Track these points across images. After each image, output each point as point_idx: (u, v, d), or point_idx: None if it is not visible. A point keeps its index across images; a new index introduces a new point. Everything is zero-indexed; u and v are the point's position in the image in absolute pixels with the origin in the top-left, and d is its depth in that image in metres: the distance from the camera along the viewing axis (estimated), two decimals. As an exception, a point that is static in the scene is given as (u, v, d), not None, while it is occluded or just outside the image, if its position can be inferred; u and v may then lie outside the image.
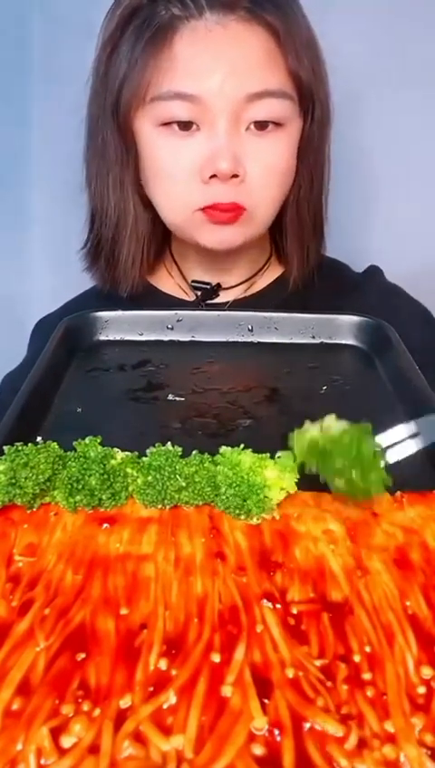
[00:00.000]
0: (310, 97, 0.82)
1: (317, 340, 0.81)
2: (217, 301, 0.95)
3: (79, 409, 0.67)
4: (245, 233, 0.84)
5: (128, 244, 0.90)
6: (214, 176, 0.78)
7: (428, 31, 1.08)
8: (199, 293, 0.95)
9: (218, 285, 0.94)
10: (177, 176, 0.81)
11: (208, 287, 0.94)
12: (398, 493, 0.52)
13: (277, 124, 0.79)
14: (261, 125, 0.79)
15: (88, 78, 0.86)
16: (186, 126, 0.78)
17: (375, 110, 1.11)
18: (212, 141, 0.78)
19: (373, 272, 1.01)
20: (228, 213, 0.81)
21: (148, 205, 0.88)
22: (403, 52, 1.09)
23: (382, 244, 1.18)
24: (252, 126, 0.78)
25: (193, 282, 0.95)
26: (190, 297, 0.96)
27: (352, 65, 0.97)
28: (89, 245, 0.94)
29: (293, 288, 0.94)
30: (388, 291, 0.98)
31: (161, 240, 0.96)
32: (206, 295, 0.94)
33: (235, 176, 0.78)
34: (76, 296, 1.03)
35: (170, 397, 0.70)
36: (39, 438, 0.56)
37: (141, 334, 0.82)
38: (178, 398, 0.70)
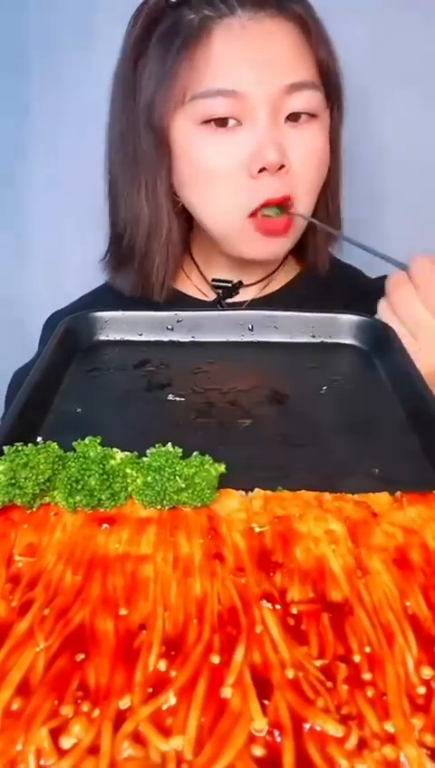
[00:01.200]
0: (337, 87, 0.85)
1: (317, 340, 0.81)
2: (235, 300, 0.95)
3: (79, 409, 0.67)
4: (291, 240, 0.86)
5: (162, 250, 0.91)
6: (263, 169, 0.79)
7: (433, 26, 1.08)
8: (220, 292, 0.95)
9: (240, 283, 0.95)
10: (223, 174, 0.82)
11: (230, 285, 0.94)
12: (398, 493, 0.52)
13: (311, 115, 0.82)
14: (294, 117, 0.81)
15: (110, 87, 0.87)
16: (222, 122, 0.80)
17: (380, 106, 1.11)
18: (256, 135, 0.79)
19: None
20: (280, 224, 0.82)
21: (180, 212, 0.89)
22: (409, 47, 1.09)
23: (388, 242, 1.18)
24: (286, 119, 0.80)
25: (214, 280, 0.95)
26: (209, 297, 0.96)
27: (358, 62, 0.98)
28: (116, 255, 0.95)
29: (314, 284, 0.95)
30: None
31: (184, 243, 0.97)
32: (226, 294, 0.95)
33: (281, 167, 0.80)
34: (88, 292, 1.03)
35: (170, 397, 0.70)
36: (39, 438, 0.56)
37: (141, 334, 0.82)
38: (178, 399, 0.70)
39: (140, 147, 0.86)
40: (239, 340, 0.81)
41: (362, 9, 1.06)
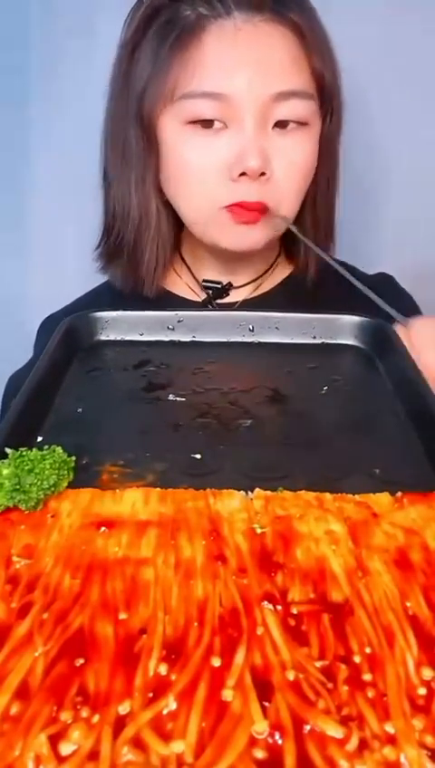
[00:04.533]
0: (331, 96, 0.84)
1: (318, 341, 0.81)
2: (226, 300, 0.95)
3: (79, 409, 0.67)
4: (268, 233, 0.85)
5: (151, 244, 0.91)
6: (243, 173, 0.79)
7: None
8: (211, 293, 0.95)
9: (229, 284, 0.94)
10: (205, 174, 0.81)
11: (220, 286, 0.94)
12: (398, 493, 0.52)
13: (300, 123, 0.80)
14: (283, 124, 0.80)
15: (109, 80, 0.86)
16: (208, 123, 0.79)
17: (380, 110, 1.11)
18: (240, 139, 0.78)
19: (388, 278, 1.01)
20: (253, 212, 0.81)
21: (168, 204, 0.89)
22: (410, 51, 1.08)
23: (387, 245, 1.18)
24: (274, 125, 0.80)
25: (204, 281, 0.95)
26: (200, 297, 0.96)
27: (358, 65, 0.97)
28: (107, 246, 0.94)
29: (305, 285, 0.95)
30: (403, 301, 0.99)
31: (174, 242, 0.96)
32: (216, 295, 0.94)
33: (262, 174, 0.79)
34: (82, 295, 1.03)
35: (171, 397, 0.70)
36: (40, 438, 0.56)
37: (142, 334, 0.82)
38: (178, 399, 0.70)
39: (129, 139, 0.86)
40: (240, 340, 0.81)
41: (363, 13, 1.06)
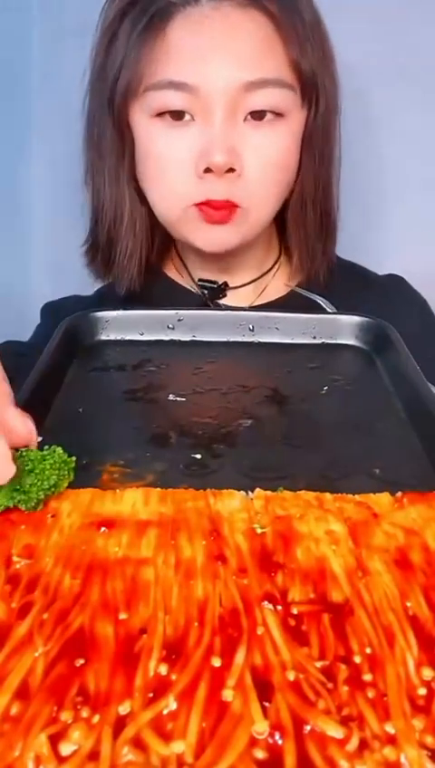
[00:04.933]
0: (313, 87, 0.79)
1: (318, 341, 0.81)
2: (229, 304, 0.93)
3: (80, 409, 0.67)
4: (239, 232, 0.82)
5: (124, 240, 0.88)
6: (209, 170, 0.76)
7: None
8: (206, 292, 0.93)
9: (226, 284, 0.93)
10: (171, 169, 0.79)
11: (215, 286, 0.93)
12: (398, 493, 0.52)
13: (277, 114, 0.77)
14: (258, 115, 0.76)
15: (85, 70, 0.84)
16: (178, 115, 0.76)
17: (382, 108, 1.11)
18: (207, 133, 0.75)
19: (398, 280, 0.99)
20: (221, 211, 0.78)
21: (145, 200, 0.86)
22: (412, 49, 1.08)
23: (389, 243, 1.17)
24: (249, 116, 0.76)
25: (199, 281, 0.93)
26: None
27: (361, 61, 0.96)
28: (90, 242, 0.93)
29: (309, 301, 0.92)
30: (416, 303, 0.97)
31: (168, 236, 0.94)
32: (213, 295, 0.93)
33: (231, 170, 0.76)
34: (89, 295, 1.02)
35: (171, 397, 0.70)
36: (40, 438, 0.56)
37: (142, 334, 0.82)
38: (178, 398, 0.70)
39: (104, 132, 0.83)
40: (240, 340, 0.81)
41: (362, 9, 1.06)
